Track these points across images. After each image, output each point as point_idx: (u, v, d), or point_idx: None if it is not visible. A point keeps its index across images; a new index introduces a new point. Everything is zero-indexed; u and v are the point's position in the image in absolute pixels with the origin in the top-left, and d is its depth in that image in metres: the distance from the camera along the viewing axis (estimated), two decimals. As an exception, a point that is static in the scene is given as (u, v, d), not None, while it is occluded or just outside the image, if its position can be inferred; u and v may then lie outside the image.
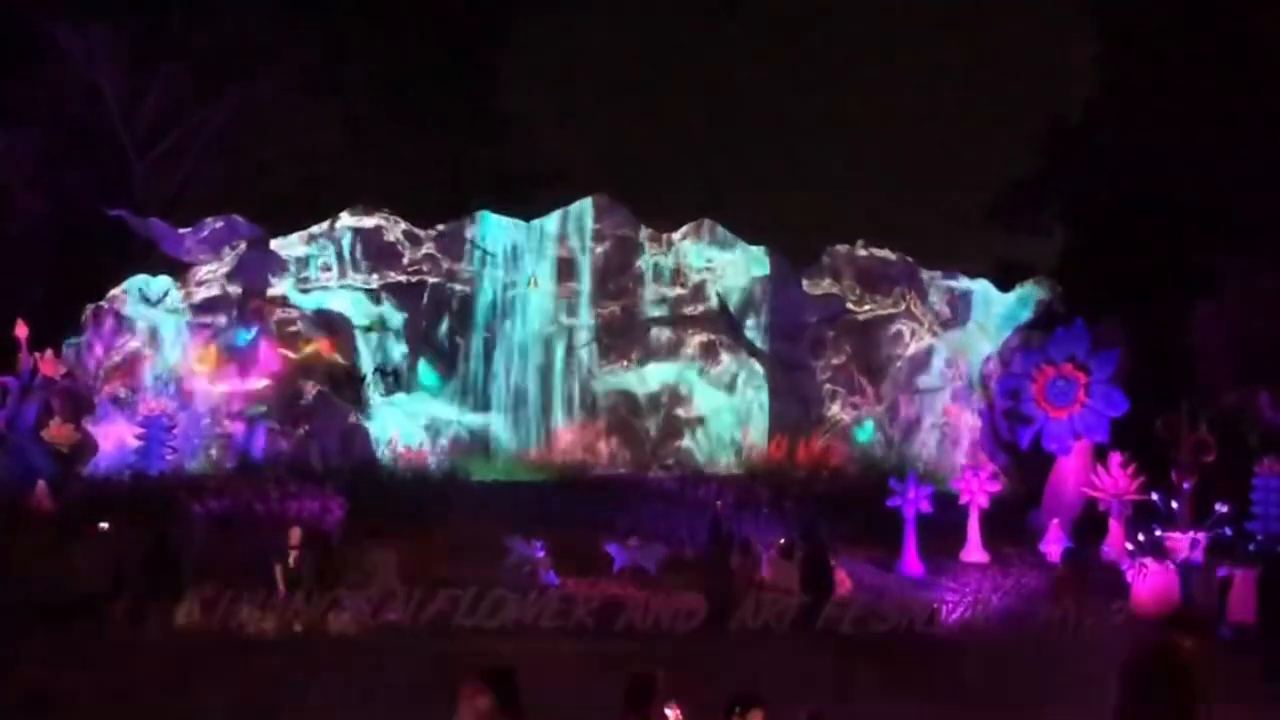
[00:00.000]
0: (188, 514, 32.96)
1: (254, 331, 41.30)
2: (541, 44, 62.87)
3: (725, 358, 44.77)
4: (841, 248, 46.20)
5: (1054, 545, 35.02)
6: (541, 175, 58.92)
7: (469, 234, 44.82)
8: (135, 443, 37.85)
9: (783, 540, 32.45)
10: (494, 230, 44.98)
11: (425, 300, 44.13)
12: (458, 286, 44.52)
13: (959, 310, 45.77)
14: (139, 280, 42.44)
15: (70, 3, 48.61)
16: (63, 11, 48.51)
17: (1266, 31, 45.80)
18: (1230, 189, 45.17)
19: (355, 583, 28.86)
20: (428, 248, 44.54)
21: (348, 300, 43.48)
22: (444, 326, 44.25)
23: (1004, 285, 46.04)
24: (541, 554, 31.79)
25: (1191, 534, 32.83)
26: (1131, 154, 49.39)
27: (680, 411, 44.09)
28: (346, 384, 41.65)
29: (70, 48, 49.02)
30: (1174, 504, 34.11)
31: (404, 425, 41.99)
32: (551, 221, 45.45)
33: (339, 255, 44.05)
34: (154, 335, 41.55)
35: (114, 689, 22.09)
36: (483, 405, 43.64)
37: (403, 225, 44.79)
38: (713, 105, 72.60)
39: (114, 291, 42.24)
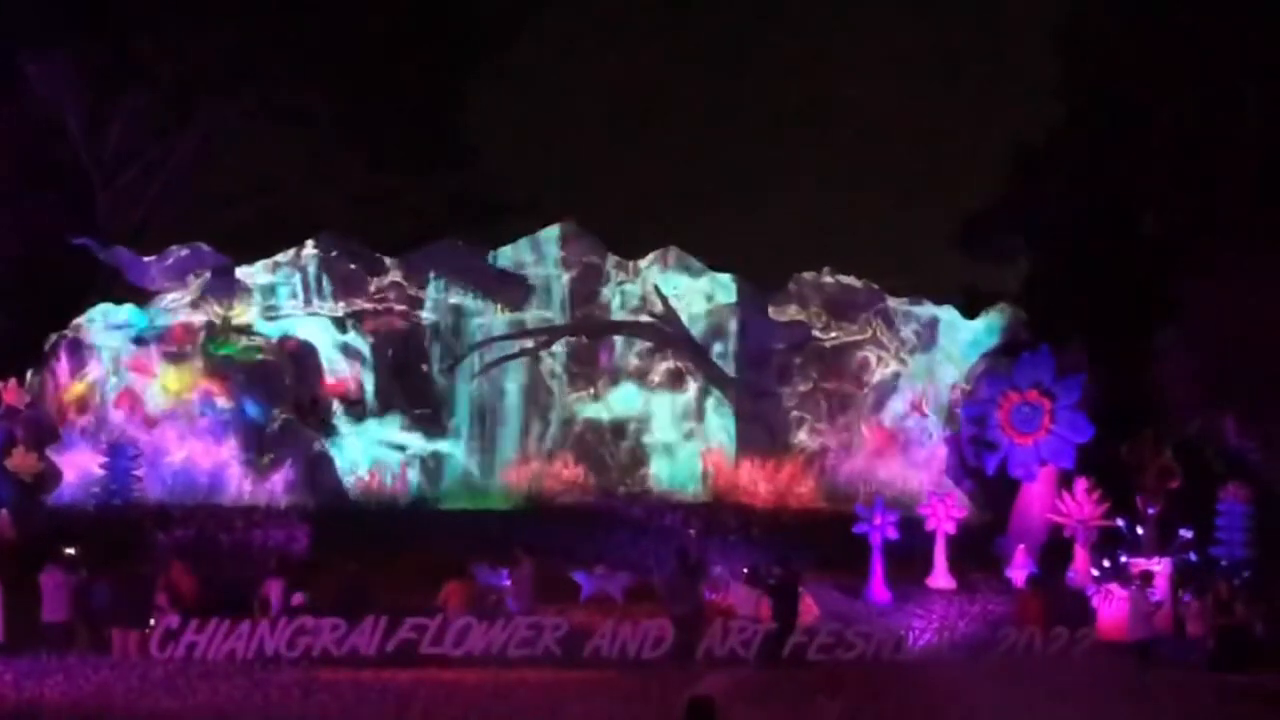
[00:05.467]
0: (153, 543, 32.85)
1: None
2: (506, 73, 62.87)
3: (692, 385, 44.77)
4: (808, 275, 46.21)
5: (1020, 571, 35.06)
6: (507, 203, 58.93)
7: (435, 262, 44.81)
8: (100, 472, 37.64)
9: (746, 568, 32.42)
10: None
11: (390, 328, 44.05)
12: (424, 314, 44.45)
13: (925, 337, 45.80)
14: (104, 309, 42.29)
15: (33, 31, 48.43)
16: (25, 39, 48.33)
17: (1232, 61, 46.17)
18: (1194, 216, 45.47)
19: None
20: (393, 275, 44.50)
21: (314, 328, 43.35)
22: (409, 354, 44.15)
23: (970, 312, 46.11)
24: (507, 583, 31.71)
25: (1156, 559, 33.09)
26: (1096, 181, 49.67)
27: (647, 439, 44.05)
28: (311, 412, 41.55)
29: (33, 76, 48.87)
30: (1139, 530, 34.30)
31: (370, 453, 41.90)
32: (518, 249, 45.46)
33: (305, 283, 43.96)
34: (118, 363, 41.31)
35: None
36: (449, 433, 43.52)
37: (368, 253, 44.76)
38: (678, 133, 72.72)
39: (78, 320, 42.06)
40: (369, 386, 43.37)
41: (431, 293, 44.63)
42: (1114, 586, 32.41)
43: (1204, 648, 30.27)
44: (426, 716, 22.73)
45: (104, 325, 41.97)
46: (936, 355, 45.17)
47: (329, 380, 42.74)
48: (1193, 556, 33.93)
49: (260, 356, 41.73)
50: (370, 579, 30.79)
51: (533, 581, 31.45)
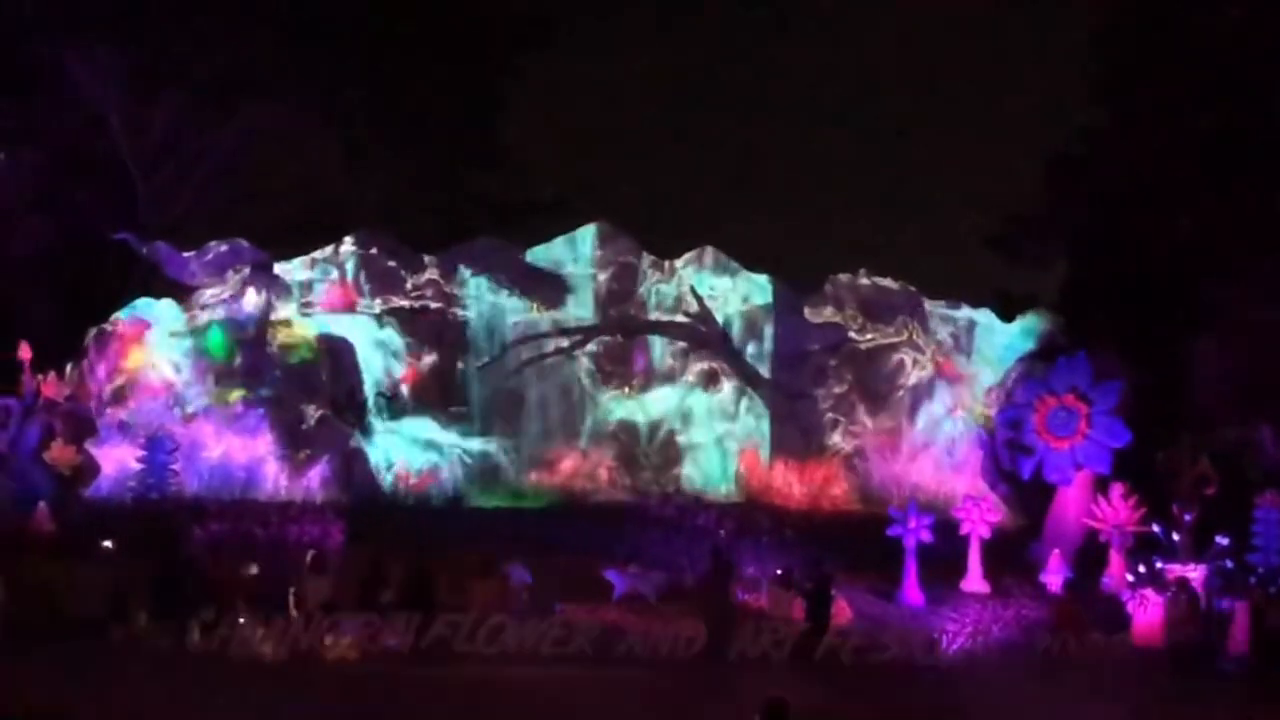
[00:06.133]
0: (189, 537, 32.96)
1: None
2: (543, 71, 63.02)
3: (727, 385, 44.76)
4: (844, 276, 46.18)
5: (1055, 576, 34.93)
6: (543, 201, 59.03)
7: (471, 260, 44.93)
8: (137, 465, 37.79)
9: (780, 570, 32.36)
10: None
11: (427, 325, 44.20)
12: (460, 312, 44.55)
13: (961, 340, 45.69)
14: (143, 304, 42.53)
15: (75, 27, 48.72)
16: (68, 35, 48.62)
17: (1269, 67, 45.93)
18: (1232, 222, 45.24)
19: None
20: (430, 273, 44.60)
21: (351, 325, 43.51)
22: (446, 352, 44.26)
23: (1007, 315, 46.00)
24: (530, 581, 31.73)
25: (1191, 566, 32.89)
26: (1133, 186, 49.46)
27: (681, 438, 44.07)
28: (348, 408, 41.69)
29: (76, 71, 49.14)
30: (1175, 536, 34.10)
31: (405, 450, 42.01)
32: (554, 248, 45.53)
33: (342, 280, 44.10)
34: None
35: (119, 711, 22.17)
36: (484, 431, 43.60)
37: (406, 250, 44.87)
38: (716, 133, 72.79)
39: (117, 315, 42.27)
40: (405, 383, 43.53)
41: (468, 291, 44.72)
42: (1149, 592, 32.24)
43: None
44: (459, 713, 22.78)
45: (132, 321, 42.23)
46: (973, 358, 45.08)
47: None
48: (1229, 564, 33.71)
49: (299, 352, 42.01)
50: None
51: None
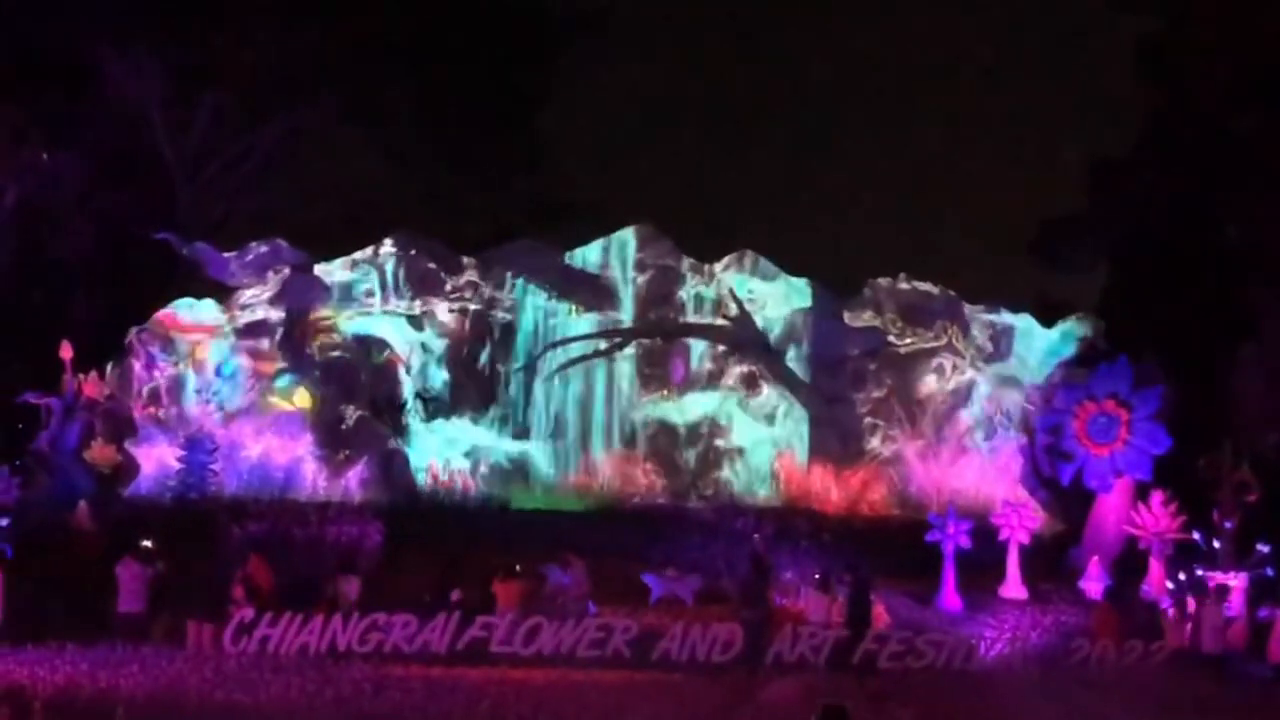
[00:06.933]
0: (228, 536, 33.12)
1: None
2: (582, 73, 63.06)
3: (765, 389, 44.69)
4: (883, 280, 45.96)
5: (1094, 583, 34.75)
6: (582, 204, 59.03)
7: (510, 262, 44.96)
8: (177, 465, 37.98)
9: (818, 574, 32.27)
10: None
11: (467, 327, 44.28)
12: (499, 314, 44.61)
13: (1001, 345, 45.46)
14: (184, 304, 42.75)
15: (118, 27, 48.97)
16: (110, 36, 48.88)
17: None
18: (1274, 227, 44.98)
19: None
20: (469, 275, 44.65)
21: (390, 326, 43.64)
22: (485, 354, 44.33)
23: (1047, 321, 45.76)
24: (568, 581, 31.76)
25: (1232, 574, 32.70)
26: (1175, 191, 49.23)
27: (720, 442, 44.03)
28: (387, 409, 41.81)
29: (117, 72, 49.41)
30: (1215, 543, 33.90)
31: (443, 452, 42.09)
32: (593, 250, 45.51)
33: (382, 281, 44.19)
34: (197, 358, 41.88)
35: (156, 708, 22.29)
36: (522, 433, 43.68)
37: (446, 252, 44.93)
38: (756, 136, 72.79)
39: (158, 314, 42.49)
40: (443, 385, 43.60)
41: (507, 293, 44.77)
42: (1189, 600, 32.06)
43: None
44: (495, 714, 22.80)
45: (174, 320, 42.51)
46: (1012, 363, 44.88)
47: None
48: (1269, 571, 33.51)
49: (336, 354, 42.22)
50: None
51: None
